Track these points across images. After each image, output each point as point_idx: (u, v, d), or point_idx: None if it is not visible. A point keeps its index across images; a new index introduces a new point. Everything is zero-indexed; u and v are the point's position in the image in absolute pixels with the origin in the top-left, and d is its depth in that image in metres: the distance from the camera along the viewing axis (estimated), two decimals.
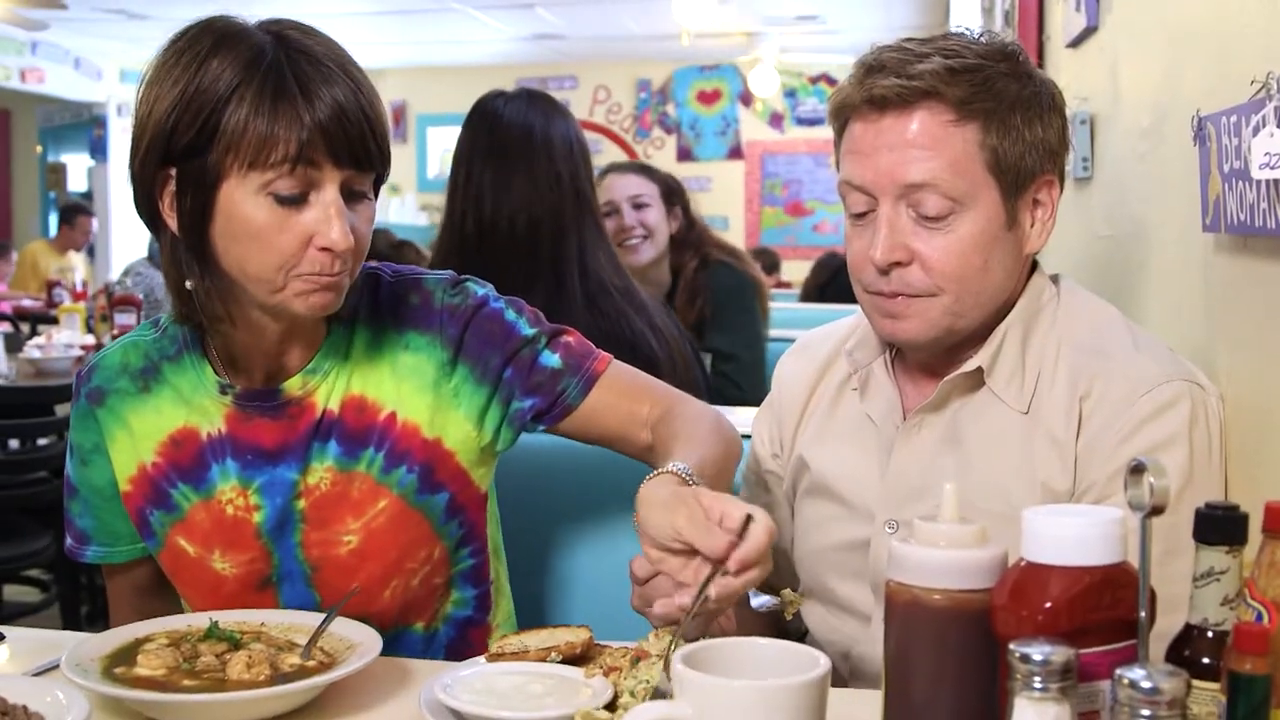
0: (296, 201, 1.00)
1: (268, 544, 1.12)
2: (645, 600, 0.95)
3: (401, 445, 1.12)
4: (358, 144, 1.01)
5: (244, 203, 1.00)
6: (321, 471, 1.12)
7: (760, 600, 0.99)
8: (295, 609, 1.12)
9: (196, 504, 1.13)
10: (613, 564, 1.44)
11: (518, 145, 1.79)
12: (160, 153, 1.01)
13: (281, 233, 1.00)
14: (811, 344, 1.28)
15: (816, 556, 1.19)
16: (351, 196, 1.03)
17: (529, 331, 1.16)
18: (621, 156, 8.58)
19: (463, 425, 1.14)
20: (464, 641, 1.20)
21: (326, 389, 1.12)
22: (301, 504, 1.12)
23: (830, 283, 4.66)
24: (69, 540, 1.21)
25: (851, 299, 1.16)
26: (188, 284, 1.05)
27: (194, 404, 1.13)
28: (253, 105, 0.97)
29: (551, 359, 1.15)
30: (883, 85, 1.03)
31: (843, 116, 1.09)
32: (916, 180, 1.03)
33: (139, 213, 1.07)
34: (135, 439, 1.14)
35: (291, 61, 1.00)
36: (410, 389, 1.13)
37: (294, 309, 1.03)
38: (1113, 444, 1.02)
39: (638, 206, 2.53)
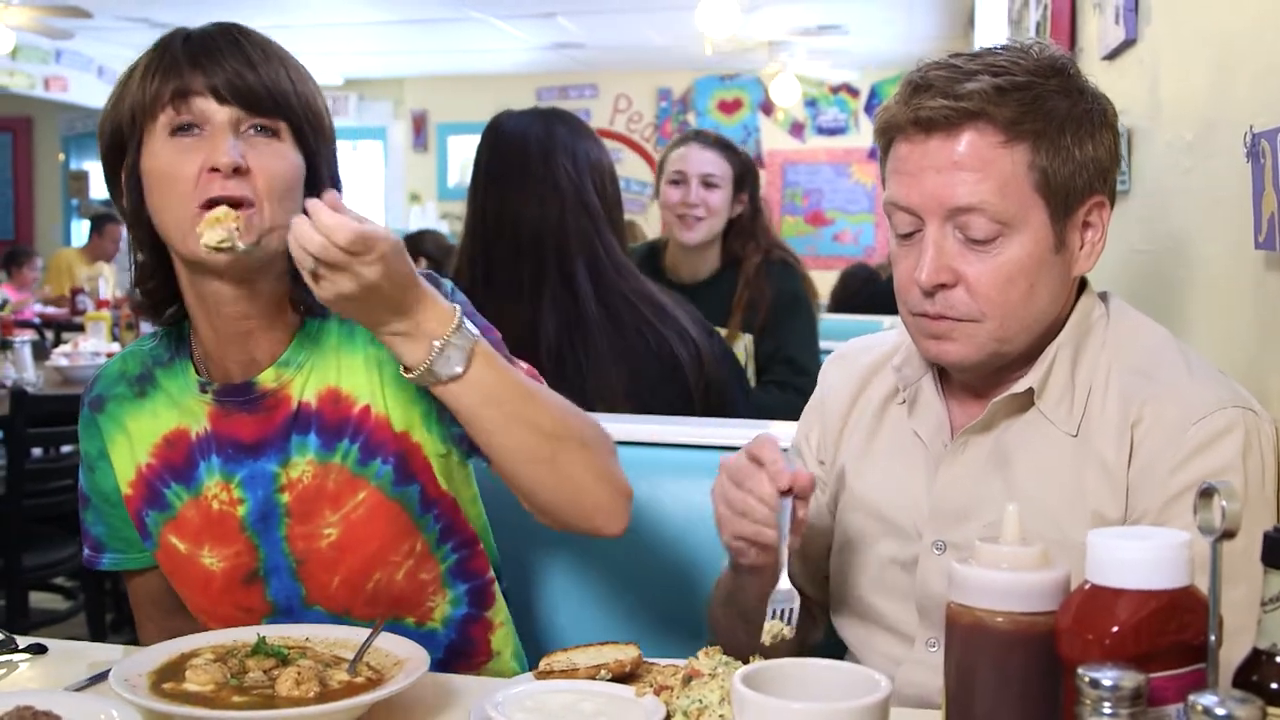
0: (188, 130, 1.08)
1: (252, 537, 1.14)
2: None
3: (376, 437, 1.14)
4: (235, 77, 1.08)
5: (156, 153, 1.09)
6: (303, 465, 1.14)
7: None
8: (283, 602, 1.15)
9: (188, 502, 1.16)
10: (658, 579, 1.44)
11: (515, 159, 1.81)
12: (116, 155, 1.12)
13: (181, 164, 1.07)
14: (854, 353, 1.27)
15: (857, 572, 1.18)
16: (262, 133, 1.09)
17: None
18: (641, 165, 8.59)
19: (424, 422, 1.15)
20: (466, 640, 1.21)
21: (301, 381, 1.14)
22: (285, 498, 1.14)
23: (859, 293, 4.65)
24: (86, 550, 1.24)
25: (879, 310, 1.15)
26: (138, 256, 1.14)
27: (182, 405, 1.17)
28: (146, 72, 1.10)
29: None
30: (929, 106, 1.01)
31: (888, 135, 1.08)
32: (964, 204, 1.01)
33: (129, 227, 1.16)
34: (133, 442, 1.18)
35: (184, 35, 1.11)
36: (380, 381, 1.15)
37: (204, 254, 1.06)
38: (1165, 472, 1.00)
39: (706, 185, 2.49)
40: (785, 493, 1.00)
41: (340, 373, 1.14)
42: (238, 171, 1.06)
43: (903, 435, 1.16)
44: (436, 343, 1.00)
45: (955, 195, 1.01)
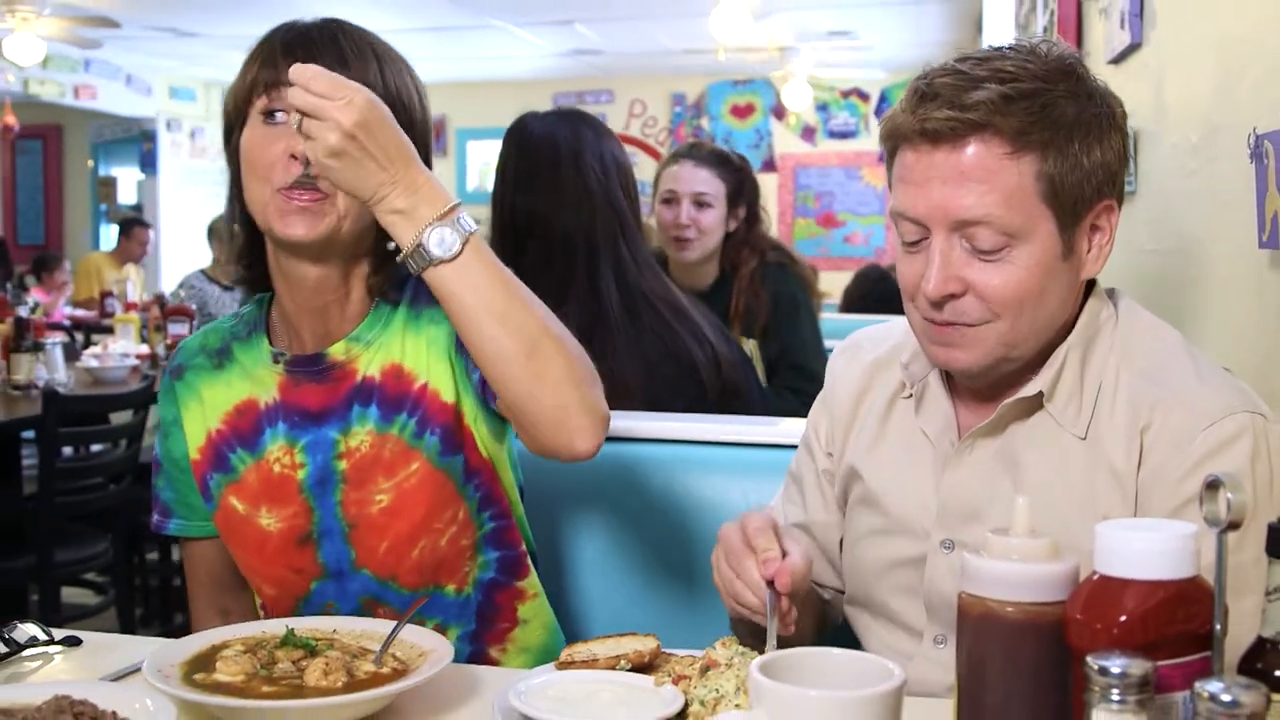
0: (274, 116, 1.15)
1: (309, 499, 1.20)
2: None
3: (430, 411, 1.19)
4: (336, 65, 1.11)
5: (249, 135, 1.17)
6: (362, 434, 1.20)
7: None
8: (333, 565, 1.21)
9: (250, 465, 1.22)
10: (676, 572, 1.47)
11: (545, 161, 1.82)
12: (228, 132, 1.21)
13: (266, 148, 1.15)
14: (863, 345, 1.26)
15: (867, 569, 1.18)
16: None
17: None
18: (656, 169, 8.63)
19: (460, 383, 1.21)
20: (490, 604, 1.25)
21: (368, 358, 1.21)
22: (343, 465, 1.20)
23: (871, 293, 4.66)
24: (155, 516, 1.30)
25: (891, 309, 1.14)
26: (235, 229, 1.23)
27: (255, 377, 1.24)
28: (251, 60, 1.19)
29: None
30: (936, 117, 1.00)
31: (894, 142, 1.07)
32: (970, 216, 1.00)
33: (232, 200, 1.23)
34: (205, 408, 1.25)
35: (286, 28, 1.18)
36: (435, 357, 1.21)
37: (279, 233, 1.15)
38: (1174, 479, 1.00)
39: (698, 204, 2.46)
40: (770, 584, 1.00)
41: (404, 351, 1.20)
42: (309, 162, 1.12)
43: (910, 433, 1.16)
44: (428, 225, 1.03)
45: (961, 207, 1.00)
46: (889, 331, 1.25)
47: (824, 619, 1.28)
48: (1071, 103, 1.02)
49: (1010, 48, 1.05)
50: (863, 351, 1.25)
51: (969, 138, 1.00)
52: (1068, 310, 1.07)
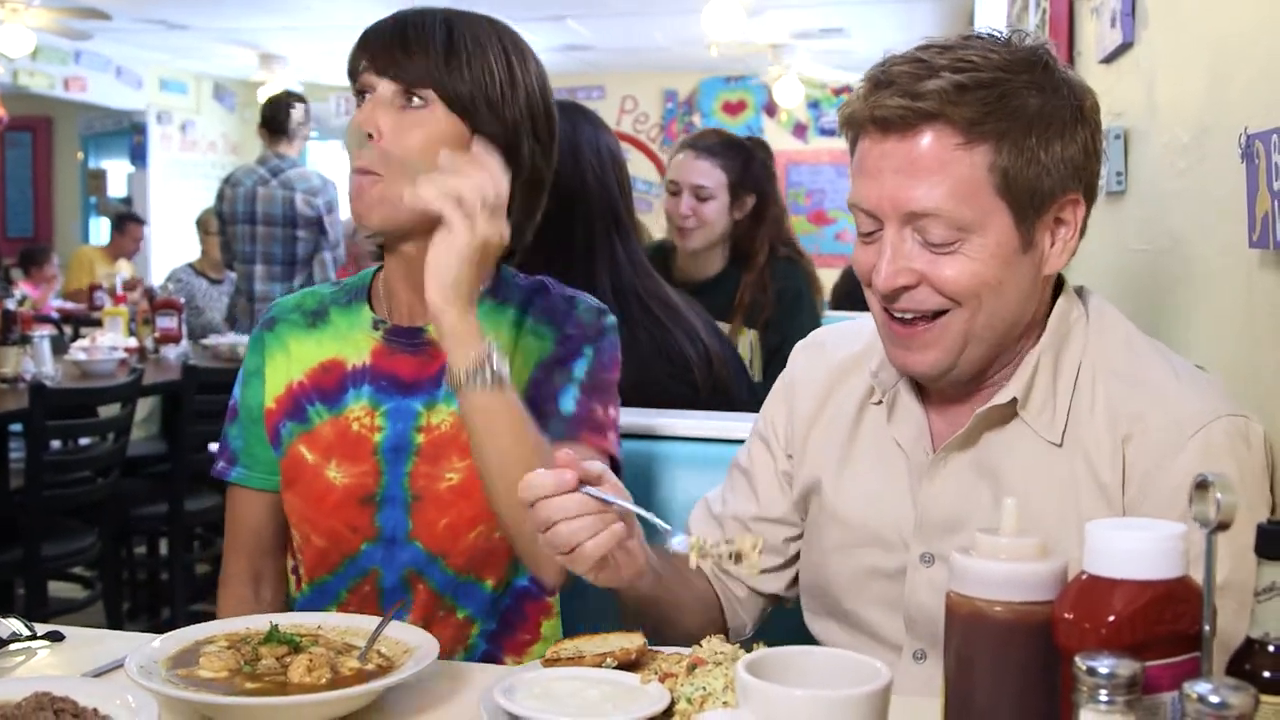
0: (362, 96, 1.20)
1: (380, 463, 1.22)
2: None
3: None
4: (386, 53, 1.16)
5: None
6: (445, 413, 1.22)
7: (678, 541, 0.95)
8: (389, 531, 1.22)
9: (327, 420, 1.25)
10: None
11: None
12: None
13: (349, 129, 1.20)
14: (828, 343, 1.22)
15: (842, 582, 1.15)
16: (411, 103, 1.17)
17: (579, 374, 1.23)
18: (648, 165, 8.64)
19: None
20: (519, 612, 1.26)
21: None
22: (420, 438, 1.22)
23: (857, 290, 4.67)
24: (220, 463, 1.33)
25: None
26: None
27: (348, 339, 1.28)
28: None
29: (568, 403, 1.22)
30: (887, 105, 0.97)
31: (853, 130, 1.04)
32: (919, 208, 0.98)
33: None
34: (291, 361, 1.29)
35: (381, 21, 1.20)
36: (521, 366, 1.23)
37: (351, 212, 1.21)
38: (1168, 493, 0.97)
39: (699, 197, 2.47)
40: (590, 483, 0.94)
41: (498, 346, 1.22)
42: (370, 138, 1.16)
43: (883, 442, 1.13)
44: (477, 354, 1.07)
45: (912, 199, 0.98)
46: (856, 332, 1.21)
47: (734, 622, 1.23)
48: (1034, 94, 0.99)
49: (979, 36, 1.02)
50: (826, 350, 1.22)
51: (921, 127, 0.98)
52: (1031, 306, 1.04)
